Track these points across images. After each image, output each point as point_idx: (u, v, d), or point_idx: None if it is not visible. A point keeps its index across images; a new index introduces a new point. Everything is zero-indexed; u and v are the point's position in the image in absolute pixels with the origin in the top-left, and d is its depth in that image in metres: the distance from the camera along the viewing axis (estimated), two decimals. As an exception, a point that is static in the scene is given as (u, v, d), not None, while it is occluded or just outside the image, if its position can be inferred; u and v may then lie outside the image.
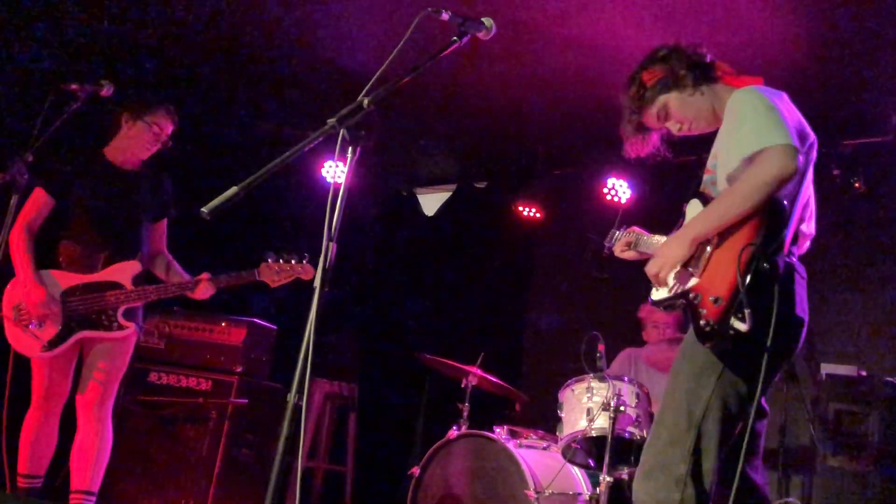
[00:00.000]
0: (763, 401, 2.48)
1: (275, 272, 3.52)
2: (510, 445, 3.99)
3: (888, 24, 4.02)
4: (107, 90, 3.30)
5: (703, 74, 2.57)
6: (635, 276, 2.80)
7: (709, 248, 2.39)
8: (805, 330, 2.42)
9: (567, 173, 6.28)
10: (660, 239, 2.66)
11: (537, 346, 6.25)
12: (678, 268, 2.42)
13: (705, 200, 2.51)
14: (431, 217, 6.98)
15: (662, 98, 2.59)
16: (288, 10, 4.57)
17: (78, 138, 3.72)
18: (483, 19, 2.26)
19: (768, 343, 2.19)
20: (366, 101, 2.04)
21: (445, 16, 2.21)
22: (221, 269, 5.84)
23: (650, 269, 2.49)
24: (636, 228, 2.84)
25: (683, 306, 2.42)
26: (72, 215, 3.61)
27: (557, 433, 3.89)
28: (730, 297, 2.23)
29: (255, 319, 4.90)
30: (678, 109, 2.59)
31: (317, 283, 1.93)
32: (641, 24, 4.21)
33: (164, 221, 3.86)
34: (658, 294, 2.54)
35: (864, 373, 4.22)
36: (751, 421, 2.28)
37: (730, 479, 2.28)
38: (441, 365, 4.67)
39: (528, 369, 6.19)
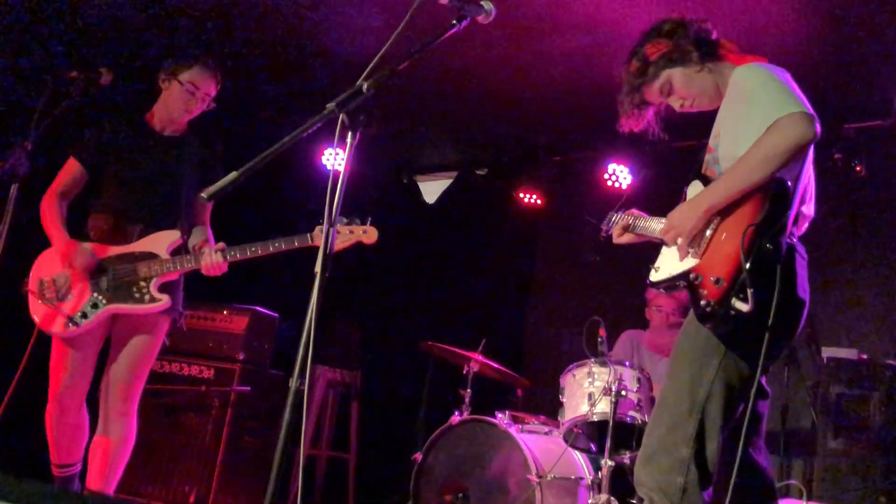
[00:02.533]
0: (764, 381, 2.48)
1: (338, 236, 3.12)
2: (512, 430, 4.01)
3: (890, 7, 4.01)
4: (105, 78, 3.25)
5: (708, 51, 2.53)
6: (636, 261, 2.79)
7: (708, 231, 2.38)
8: (806, 311, 2.41)
9: (568, 160, 6.28)
10: (660, 220, 2.63)
11: (539, 332, 6.26)
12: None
13: (707, 182, 2.49)
14: (433, 204, 6.98)
15: (666, 73, 2.54)
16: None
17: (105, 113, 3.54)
18: (482, 2, 2.24)
19: (769, 322, 2.18)
20: (365, 86, 2.02)
21: (444, 0, 2.20)
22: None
23: (668, 238, 2.46)
24: (635, 211, 2.80)
25: (684, 287, 2.41)
26: (104, 186, 3.39)
27: (559, 418, 3.91)
28: (731, 277, 2.22)
29: (257, 307, 4.91)
30: (682, 85, 2.55)
31: (318, 268, 1.93)
32: (640, 5, 4.19)
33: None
34: (657, 275, 2.53)
35: (864, 356, 4.23)
36: (751, 402, 2.28)
37: (732, 461, 2.28)
38: (443, 351, 4.68)
39: (530, 355, 6.20)
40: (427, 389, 6.11)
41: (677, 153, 5.51)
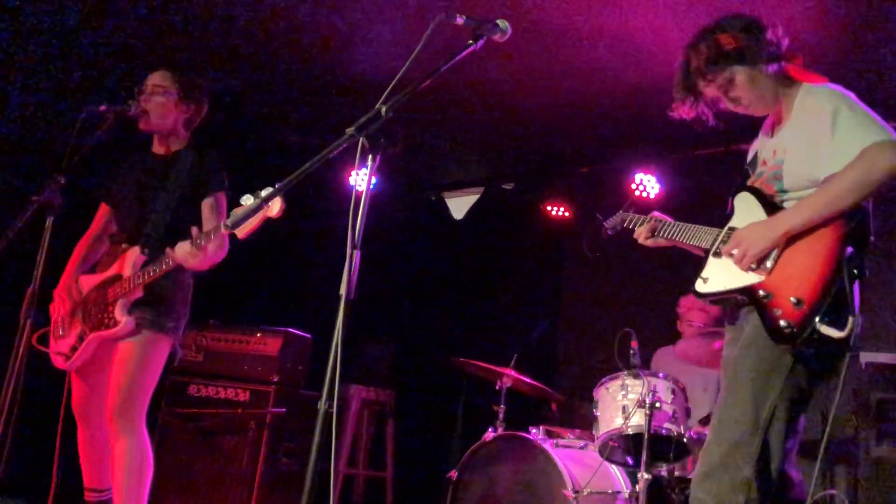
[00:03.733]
0: None
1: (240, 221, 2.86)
2: (547, 446, 3.98)
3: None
4: (134, 110, 3.33)
5: (777, 58, 2.46)
6: (666, 272, 2.77)
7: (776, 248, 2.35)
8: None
9: (594, 171, 6.26)
10: (704, 229, 2.58)
11: (571, 345, 6.23)
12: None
13: (761, 195, 2.46)
14: (461, 220, 7.00)
15: (734, 68, 2.45)
16: (309, 21, 4.63)
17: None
18: (498, 21, 2.25)
19: (851, 344, 2.19)
20: (384, 109, 2.05)
21: (460, 20, 2.22)
22: (249, 280, 5.94)
23: (735, 254, 2.40)
24: (657, 214, 2.77)
25: (742, 302, 2.38)
26: (115, 217, 3.49)
27: (594, 432, 3.88)
28: (815, 300, 2.20)
29: (290, 329, 4.95)
30: (745, 85, 2.46)
31: (342, 291, 1.95)
32: (659, 15, 4.18)
33: (208, 201, 3.36)
34: (706, 287, 2.49)
35: (904, 359, 4.15)
36: (827, 429, 2.32)
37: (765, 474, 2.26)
38: (475, 368, 4.68)
39: (563, 368, 6.17)
40: (462, 406, 6.11)
41: (703, 161, 5.49)
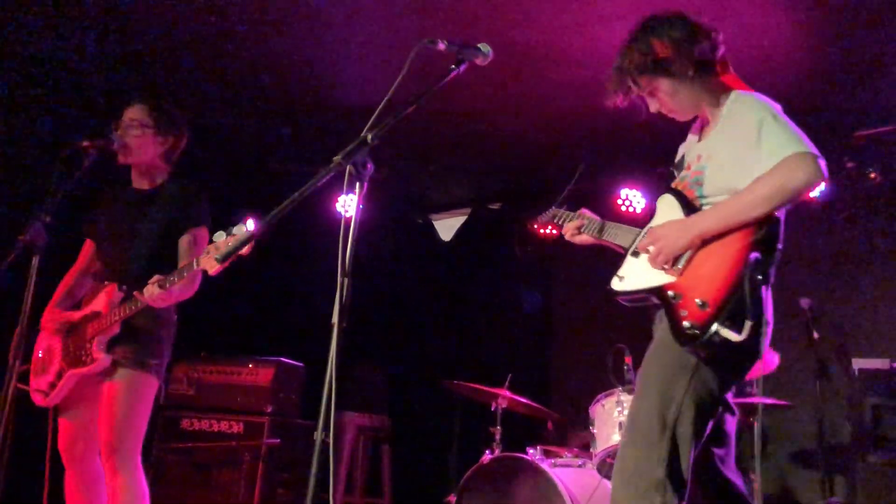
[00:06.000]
0: (730, 397, 2.47)
1: (212, 257, 2.88)
2: (545, 466, 3.96)
3: None
4: (117, 144, 3.31)
5: (705, 70, 2.48)
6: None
7: (689, 249, 2.36)
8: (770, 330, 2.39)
9: (580, 188, 6.26)
10: (626, 229, 2.59)
11: (565, 363, 6.22)
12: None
13: (682, 197, 2.47)
14: (448, 242, 7.00)
15: (657, 78, 2.49)
16: (292, 49, 4.65)
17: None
18: (479, 45, 2.27)
19: (758, 351, 2.18)
20: (369, 137, 2.05)
21: (441, 46, 2.22)
22: (240, 309, 5.92)
23: (651, 250, 2.42)
24: (586, 212, 2.77)
25: (652, 303, 2.38)
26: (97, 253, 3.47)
27: (591, 449, 3.86)
28: (719, 304, 2.20)
29: (282, 358, 4.93)
30: (666, 95, 2.52)
31: (335, 319, 1.94)
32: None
33: (186, 237, 3.30)
34: (621, 285, 2.49)
35: (896, 365, 4.16)
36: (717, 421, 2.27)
37: (702, 478, 2.27)
38: (469, 390, 4.65)
39: (558, 386, 6.15)
40: (458, 429, 6.08)
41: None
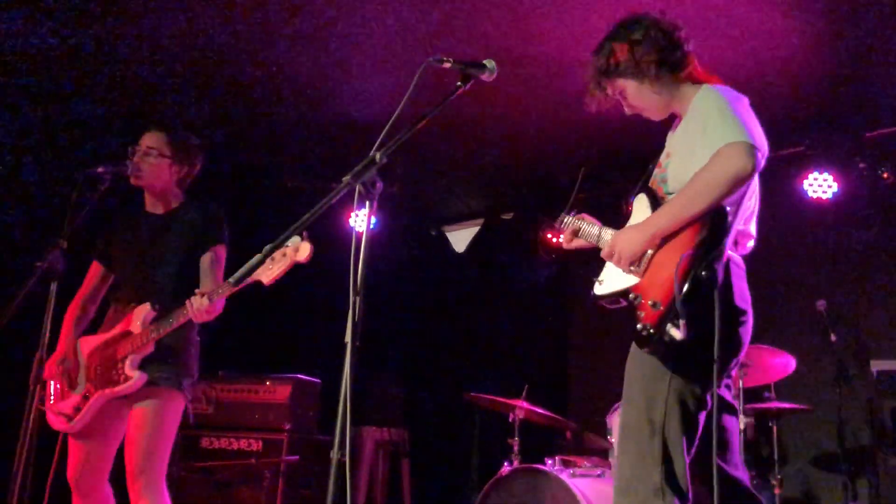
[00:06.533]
0: (729, 396, 2.46)
1: (267, 268, 2.92)
2: (563, 476, 3.95)
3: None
4: (132, 171, 3.35)
5: (667, 69, 2.49)
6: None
7: (650, 250, 2.36)
8: (750, 318, 2.37)
9: (591, 196, 6.27)
10: (606, 231, 2.60)
11: (582, 372, 6.20)
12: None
13: (653, 196, 2.48)
14: (463, 253, 7.01)
15: (621, 81, 2.53)
16: (300, 67, 4.70)
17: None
18: (485, 62, 2.29)
19: (716, 352, 2.14)
20: (378, 155, 2.08)
21: (447, 64, 2.25)
22: (255, 328, 5.94)
23: (608, 258, 2.45)
24: (586, 216, 2.77)
25: (624, 304, 2.39)
26: (114, 277, 3.49)
27: (610, 458, 3.85)
28: (668, 303, 2.19)
29: (299, 375, 4.95)
30: (632, 96, 2.54)
31: (348, 338, 1.95)
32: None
33: (207, 255, 3.35)
34: (601, 289, 2.50)
35: (917, 366, 4.12)
36: (714, 419, 2.21)
37: (708, 479, 2.23)
38: (487, 401, 4.66)
39: (575, 396, 6.14)
40: (477, 441, 6.07)
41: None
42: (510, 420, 4.52)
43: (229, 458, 4.71)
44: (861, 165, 4.68)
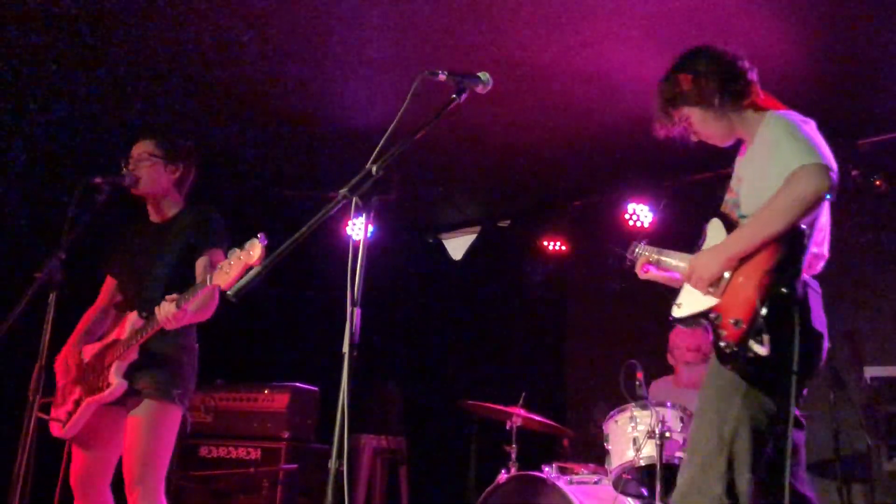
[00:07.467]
0: (798, 413, 2.48)
1: (224, 272, 2.87)
2: (560, 483, 3.97)
3: None
4: (129, 180, 3.37)
5: (731, 98, 2.60)
6: (670, 303, 2.79)
7: (727, 273, 2.43)
8: (826, 341, 2.45)
9: (587, 203, 6.31)
10: (682, 257, 2.68)
11: (578, 379, 6.22)
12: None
13: (727, 221, 2.55)
14: (459, 261, 7.03)
15: (687, 109, 2.65)
16: (295, 77, 4.72)
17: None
18: (479, 74, 2.32)
19: (794, 367, 2.21)
20: (374, 168, 2.10)
21: (442, 77, 2.28)
22: (253, 334, 5.96)
23: (691, 282, 2.52)
24: (648, 246, 2.85)
25: (705, 325, 2.45)
26: (117, 286, 3.52)
27: (606, 465, 3.87)
28: (749, 320, 2.27)
29: (297, 383, 4.96)
30: (697, 124, 2.66)
31: (345, 349, 1.97)
32: (642, 51, 4.27)
33: (202, 260, 3.30)
34: (679, 312, 2.58)
35: (909, 371, 4.14)
36: (789, 438, 2.28)
37: (778, 496, 2.27)
38: (484, 409, 4.67)
39: (572, 403, 6.15)
40: (474, 449, 6.08)
41: (695, 188, 5.53)
42: (507, 427, 4.52)
43: (228, 466, 4.72)
44: (854, 173, 4.71)
